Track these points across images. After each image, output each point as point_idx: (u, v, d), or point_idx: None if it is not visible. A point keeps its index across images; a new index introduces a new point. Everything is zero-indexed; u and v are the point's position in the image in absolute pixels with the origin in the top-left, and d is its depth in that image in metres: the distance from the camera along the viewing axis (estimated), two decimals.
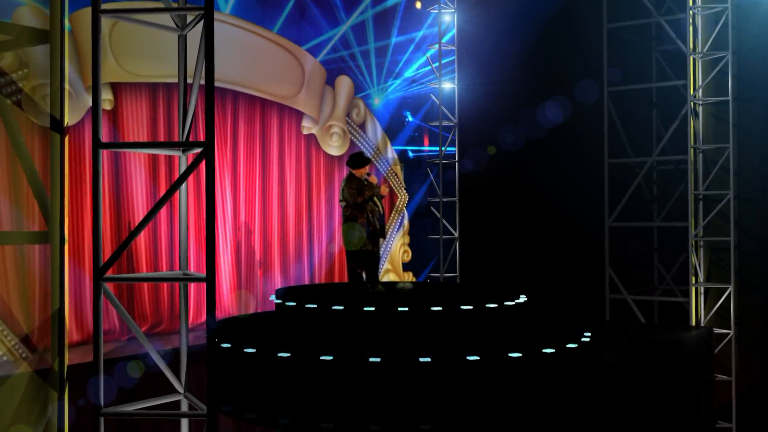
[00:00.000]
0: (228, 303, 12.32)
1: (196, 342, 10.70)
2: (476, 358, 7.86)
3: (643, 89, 14.05)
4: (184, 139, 5.75)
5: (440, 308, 8.74)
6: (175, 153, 6.09)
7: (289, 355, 8.14)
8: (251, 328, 9.57)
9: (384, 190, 10.25)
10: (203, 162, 5.78)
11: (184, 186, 6.03)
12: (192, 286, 11.83)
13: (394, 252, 15.53)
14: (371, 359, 7.80)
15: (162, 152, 6.38)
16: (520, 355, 8.09)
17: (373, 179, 10.08)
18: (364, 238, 9.87)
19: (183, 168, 6.53)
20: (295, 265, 13.49)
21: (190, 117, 5.80)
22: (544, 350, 8.34)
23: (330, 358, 7.90)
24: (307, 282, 13.63)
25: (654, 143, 14.21)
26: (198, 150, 5.70)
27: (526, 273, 14.37)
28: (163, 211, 11.46)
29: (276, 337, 8.98)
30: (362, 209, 9.91)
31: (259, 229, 12.97)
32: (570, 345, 8.72)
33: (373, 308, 8.75)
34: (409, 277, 15.79)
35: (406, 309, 8.69)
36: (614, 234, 13.89)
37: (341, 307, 8.87)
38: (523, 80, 14.86)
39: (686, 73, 13.21)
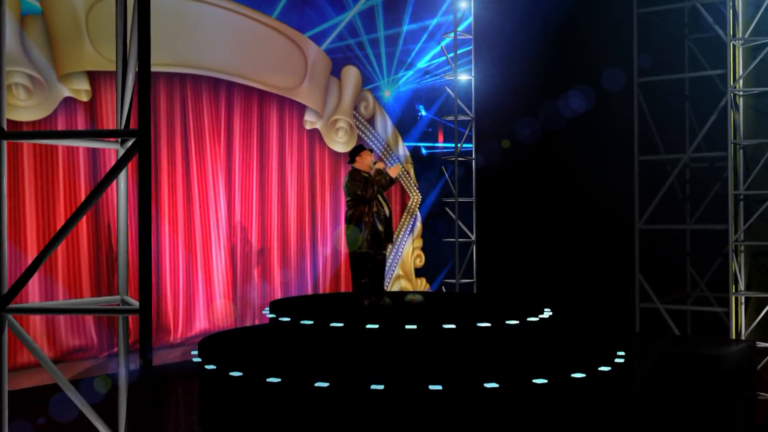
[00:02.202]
0: (222, 313, 11.28)
1: (185, 358, 9.73)
2: (495, 385, 6.97)
3: (674, 80, 13.24)
4: (122, 128, 4.59)
5: (453, 326, 7.76)
6: (111, 146, 4.92)
7: (279, 380, 7.30)
8: (240, 347, 8.58)
9: (396, 170, 9.10)
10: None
11: (124, 187, 4.85)
12: (181, 293, 10.83)
13: (406, 257, 14.54)
14: (373, 386, 6.91)
15: (90, 144, 5.24)
16: (545, 381, 7.10)
17: (381, 165, 9.00)
18: (360, 239, 8.86)
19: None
20: (297, 272, 12.50)
21: (128, 101, 4.66)
22: (573, 375, 7.34)
23: (326, 384, 7.05)
24: (310, 291, 12.63)
25: (687, 138, 13.47)
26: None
27: (549, 278, 13.74)
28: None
29: (267, 357, 8.04)
30: (370, 203, 8.85)
31: (257, 233, 11.96)
32: (602, 368, 7.74)
33: (376, 325, 7.79)
34: (422, 283, 14.83)
35: (415, 327, 7.72)
36: (642, 237, 13.02)
37: (340, 324, 7.88)
38: (544, 71, 14.07)
39: (723, 61, 12.34)
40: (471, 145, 14.87)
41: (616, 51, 13.27)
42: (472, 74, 14.80)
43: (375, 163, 9.07)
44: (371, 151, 9.18)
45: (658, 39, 13.19)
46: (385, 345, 7.76)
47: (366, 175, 8.97)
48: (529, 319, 8.30)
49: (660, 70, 12.99)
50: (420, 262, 14.90)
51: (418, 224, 14.93)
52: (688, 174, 13.57)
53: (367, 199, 8.85)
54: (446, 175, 14.90)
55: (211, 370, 7.99)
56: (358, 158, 9.04)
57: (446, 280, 14.86)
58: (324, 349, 7.97)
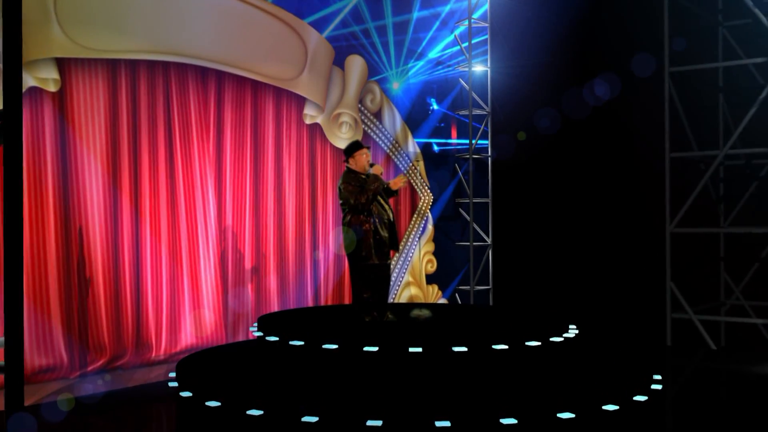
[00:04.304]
0: (210, 327, 10.26)
1: (169, 377, 8.72)
2: (513, 421, 5.97)
3: (706, 71, 12.44)
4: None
5: (465, 348, 6.75)
6: None
7: (261, 413, 6.33)
8: (221, 371, 7.63)
9: (400, 181, 8.28)
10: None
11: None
12: (165, 305, 9.87)
13: (416, 262, 13.57)
14: (369, 422, 5.93)
15: None
16: (572, 415, 6.09)
17: (378, 169, 8.10)
18: (355, 241, 7.96)
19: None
20: (296, 281, 11.50)
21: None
22: (604, 407, 6.35)
23: (315, 419, 6.06)
24: (310, 302, 11.65)
25: (721, 133, 12.78)
26: None
27: (571, 285, 13.35)
28: (126, 207, 9.55)
29: (249, 384, 7.06)
30: (368, 211, 7.98)
31: (251, 238, 10.94)
32: (638, 397, 6.73)
33: (375, 348, 6.78)
34: (433, 290, 13.87)
35: (420, 350, 6.72)
36: (672, 240, 12.32)
37: (334, 346, 6.88)
38: (565, 60, 13.49)
39: (761, 49, 11.57)
40: (486, 142, 14.15)
41: (643, 39, 12.60)
42: (488, 65, 14.09)
43: (372, 166, 8.16)
44: (368, 148, 8.27)
45: (689, 26, 12.48)
46: (384, 371, 6.78)
47: (363, 176, 8.07)
48: (552, 339, 7.29)
49: (691, 59, 12.25)
50: (431, 267, 13.96)
51: (430, 227, 13.98)
52: (721, 172, 12.89)
53: (360, 208, 7.96)
54: (460, 173, 14.22)
55: (187, 397, 7.04)
56: (351, 159, 8.16)
57: (460, 287, 14.17)
58: (314, 376, 6.98)
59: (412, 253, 13.56)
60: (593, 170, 13.28)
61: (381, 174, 8.21)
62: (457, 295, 14.21)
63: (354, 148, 8.21)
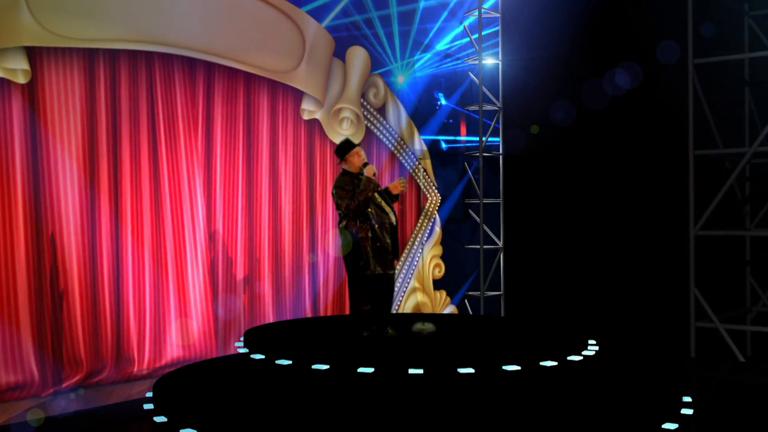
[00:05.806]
0: (200, 339, 9.54)
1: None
2: None
3: (731, 63, 11.73)
4: None
5: (472, 369, 6.01)
6: None
7: None
8: (199, 391, 6.93)
9: (399, 185, 7.67)
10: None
11: None
12: (148, 315, 9.21)
13: (423, 267, 12.89)
14: None
15: None
16: None
17: (371, 169, 7.45)
18: (351, 243, 7.30)
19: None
20: (293, 288, 10.80)
21: None
22: None
23: None
24: (308, 311, 10.95)
25: (747, 130, 12.10)
26: None
27: (588, 291, 12.70)
28: (105, 210, 8.87)
29: (231, 409, 6.34)
30: (364, 216, 7.32)
31: (243, 242, 10.23)
32: (667, 426, 6.00)
33: (371, 369, 6.06)
34: (441, 296, 13.18)
35: (421, 371, 6.00)
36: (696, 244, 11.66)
37: (325, 367, 6.16)
38: (581, 52, 12.81)
39: None
40: (497, 139, 13.44)
41: (666, 28, 11.88)
42: (500, 58, 13.37)
43: (365, 166, 7.49)
44: (359, 145, 7.63)
45: (714, 15, 11.73)
46: (381, 397, 6.05)
47: (360, 176, 7.41)
48: (569, 357, 6.54)
49: (716, 50, 11.55)
50: (439, 272, 13.27)
51: (437, 229, 13.29)
52: (747, 171, 12.18)
53: (352, 214, 7.29)
54: (469, 172, 13.57)
55: (161, 423, 6.34)
56: (345, 164, 7.51)
57: (469, 293, 13.49)
58: (303, 400, 6.26)
59: (419, 258, 12.86)
60: (611, 169, 12.64)
61: (375, 175, 7.56)
62: (466, 301, 13.55)
63: (345, 149, 7.56)
